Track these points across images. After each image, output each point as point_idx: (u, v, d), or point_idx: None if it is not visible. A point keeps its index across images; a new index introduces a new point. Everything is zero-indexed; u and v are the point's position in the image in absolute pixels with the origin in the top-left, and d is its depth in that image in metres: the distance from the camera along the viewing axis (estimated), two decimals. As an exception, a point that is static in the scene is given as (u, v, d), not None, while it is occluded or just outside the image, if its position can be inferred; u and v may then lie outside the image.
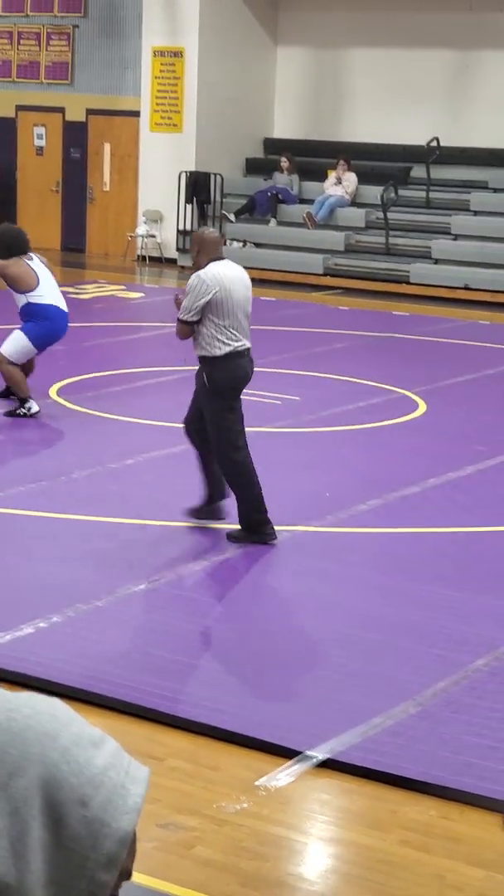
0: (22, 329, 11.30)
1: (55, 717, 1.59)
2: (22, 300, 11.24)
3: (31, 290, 11.17)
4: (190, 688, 6.05)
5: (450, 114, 22.14)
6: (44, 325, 11.26)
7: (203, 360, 8.10)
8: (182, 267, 22.57)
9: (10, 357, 11.20)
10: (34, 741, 1.56)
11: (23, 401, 11.21)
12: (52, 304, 11.26)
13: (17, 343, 11.24)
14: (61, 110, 24.55)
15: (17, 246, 11.34)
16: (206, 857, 4.77)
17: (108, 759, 1.61)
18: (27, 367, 11.42)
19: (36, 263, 11.37)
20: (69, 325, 11.57)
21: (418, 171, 22.04)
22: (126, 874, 1.61)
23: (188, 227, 22.72)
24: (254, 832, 4.94)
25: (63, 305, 11.39)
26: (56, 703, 1.61)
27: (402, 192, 21.66)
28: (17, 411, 11.16)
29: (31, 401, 11.21)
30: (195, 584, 7.41)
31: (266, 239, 22.17)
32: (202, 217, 22.65)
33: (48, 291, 11.29)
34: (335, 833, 5.04)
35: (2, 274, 11.29)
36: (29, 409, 11.16)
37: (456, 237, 21.18)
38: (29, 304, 11.20)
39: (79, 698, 5.92)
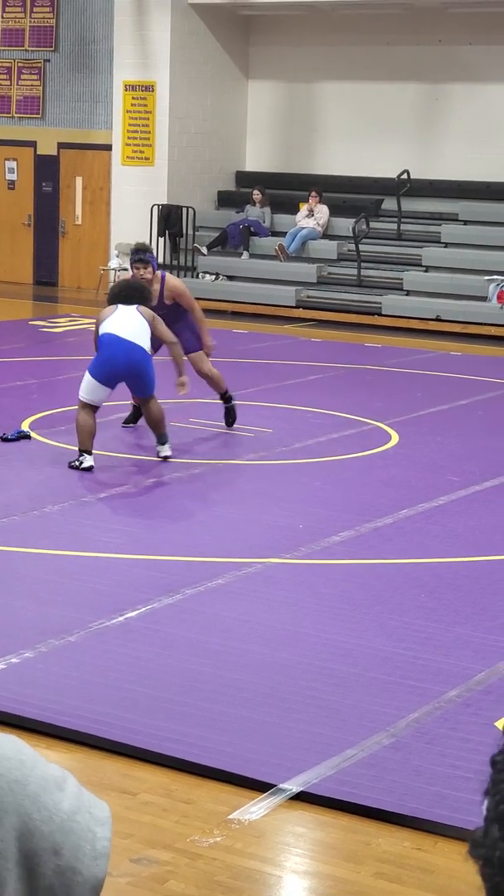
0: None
1: (22, 763, 1.54)
2: None
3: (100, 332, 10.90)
4: (163, 722, 6.03)
5: (420, 146, 22.27)
6: (98, 356, 10.83)
7: None
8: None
9: (82, 397, 10.76)
10: (7, 790, 1.51)
11: (81, 452, 10.73)
12: (105, 333, 10.78)
13: (83, 381, 10.84)
14: (33, 144, 24.61)
15: (116, 296, 11.04)
16: (180, 892, 4.75)
17: (73, 802, 1.55)
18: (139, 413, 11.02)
19: (122, 309, 10.88)
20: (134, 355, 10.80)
21: (389, 204, 22.15)
22: None
23: (161, 260, 22.77)
24: (227, 866, 4.93)
25: (122, 333, 10.71)
26: (19, 743, 1.57)
27: (373, 224, 21.75)
28: (71, 462, 10.71)
29: (87, 455, 10.71)
30: (168, 618, 7.40)
31: (238, 271, 22.23)
32: (175, 250, 22.71)
33: (109, 325, 10.80)
34: (309, 866, 5.04)
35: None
36: (81, 462, 10.66)
37: (427, 269, 21.27)
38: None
39: (52, 734, 5.91)
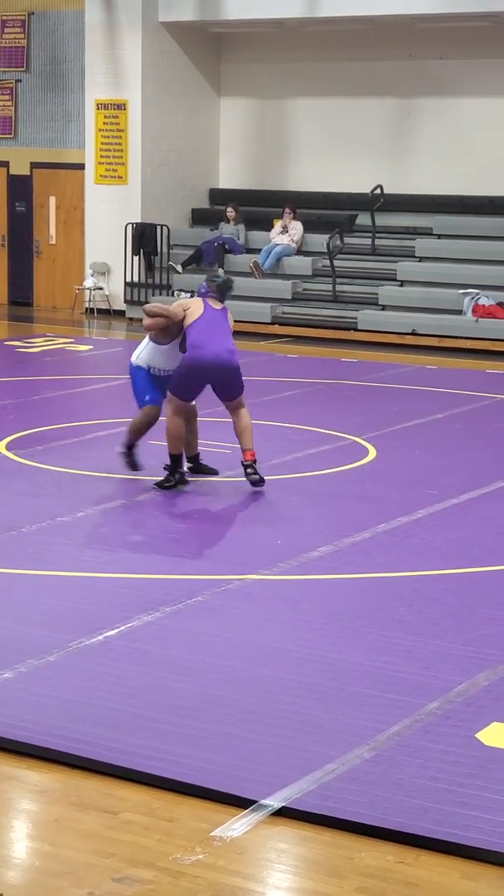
0: None
1: None
2: None
3: None
4: (144, 740, 6.02)
5: (393, 161, 22.34)
6: None
7: None
8: (130, 319, 22.59)
9: None
10: None
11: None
12: None
13: None
14: (5, 164, 24.61)
15: None
16: (163, 910, 4.74)
17: None
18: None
19: None
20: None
21: (363, 219, 22.20)
22: None
23: (136, 279, 22.78)
24: (210, 883, 4.91)
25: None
26: None
27: (347, 239, 21.79)
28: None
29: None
30: (147, 635, 7.39)
31: (213, 289, 22.20)
32: (149, 268, 22.72)
33: None
34: (292, 882, 5.03)
35: None
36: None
37: (402, 283, 21.32)
38: None
39: (32, 754, 5.89)
